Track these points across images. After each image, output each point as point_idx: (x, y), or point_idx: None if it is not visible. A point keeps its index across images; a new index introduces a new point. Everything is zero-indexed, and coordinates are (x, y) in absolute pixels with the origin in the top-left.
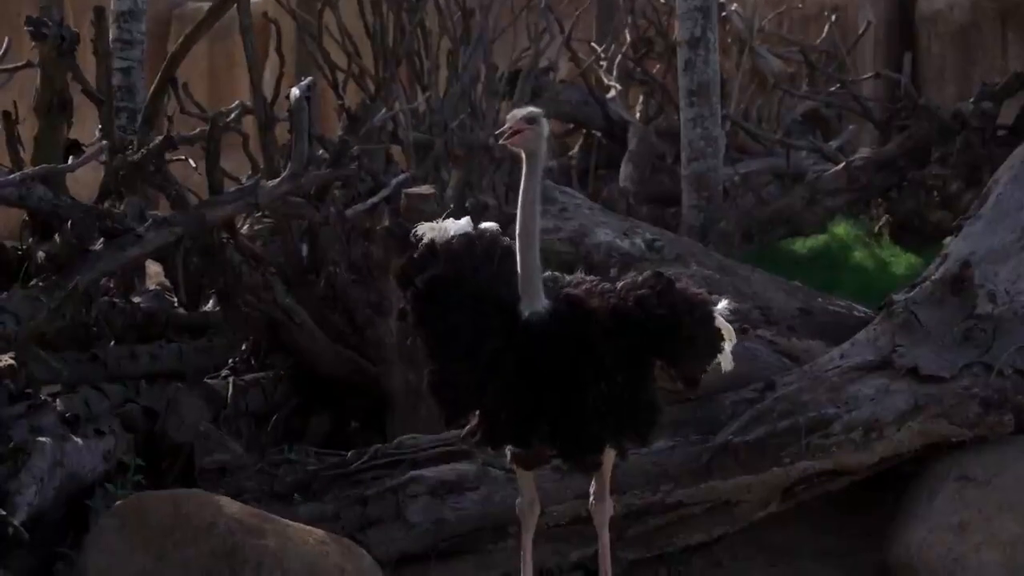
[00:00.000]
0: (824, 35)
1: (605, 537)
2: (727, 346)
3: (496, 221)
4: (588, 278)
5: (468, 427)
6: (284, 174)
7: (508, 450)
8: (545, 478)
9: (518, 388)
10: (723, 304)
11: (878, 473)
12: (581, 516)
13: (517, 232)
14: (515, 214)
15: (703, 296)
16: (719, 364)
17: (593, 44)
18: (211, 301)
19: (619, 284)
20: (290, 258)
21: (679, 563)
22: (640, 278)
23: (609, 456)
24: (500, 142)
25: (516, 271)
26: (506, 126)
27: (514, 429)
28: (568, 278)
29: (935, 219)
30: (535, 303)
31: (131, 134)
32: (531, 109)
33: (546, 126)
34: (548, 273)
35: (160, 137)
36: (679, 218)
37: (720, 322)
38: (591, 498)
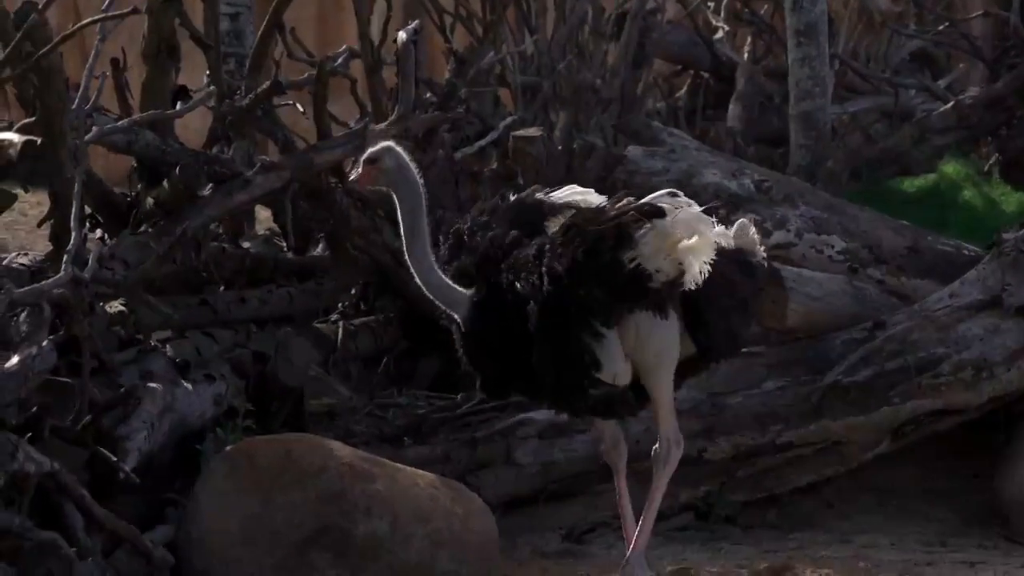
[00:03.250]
0: None
1: (659, 484)
2: (688, 270)
3: (603, 161)
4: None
5: None
6: (392, 117)
7: None
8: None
9: (476, 355)
10: (688, 212)
11: (987, 413)
12: (690, 457)
13: (408, 262)
14: (622, 155)
15: (609, 256)
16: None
17: None
18: (320, 245)
19: (544, 249)
20: None
21: (789, 504)
22: (547, 246)
23: (665, 389)
24: (356, 190)
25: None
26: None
27: (492, 384)
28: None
29: None
30: (457, 312)
31: (239, 79)
32: (372, 149)
33: (394, 157)
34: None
35: (268, 82)
36: (787, 158)
37: (642, 270)
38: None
